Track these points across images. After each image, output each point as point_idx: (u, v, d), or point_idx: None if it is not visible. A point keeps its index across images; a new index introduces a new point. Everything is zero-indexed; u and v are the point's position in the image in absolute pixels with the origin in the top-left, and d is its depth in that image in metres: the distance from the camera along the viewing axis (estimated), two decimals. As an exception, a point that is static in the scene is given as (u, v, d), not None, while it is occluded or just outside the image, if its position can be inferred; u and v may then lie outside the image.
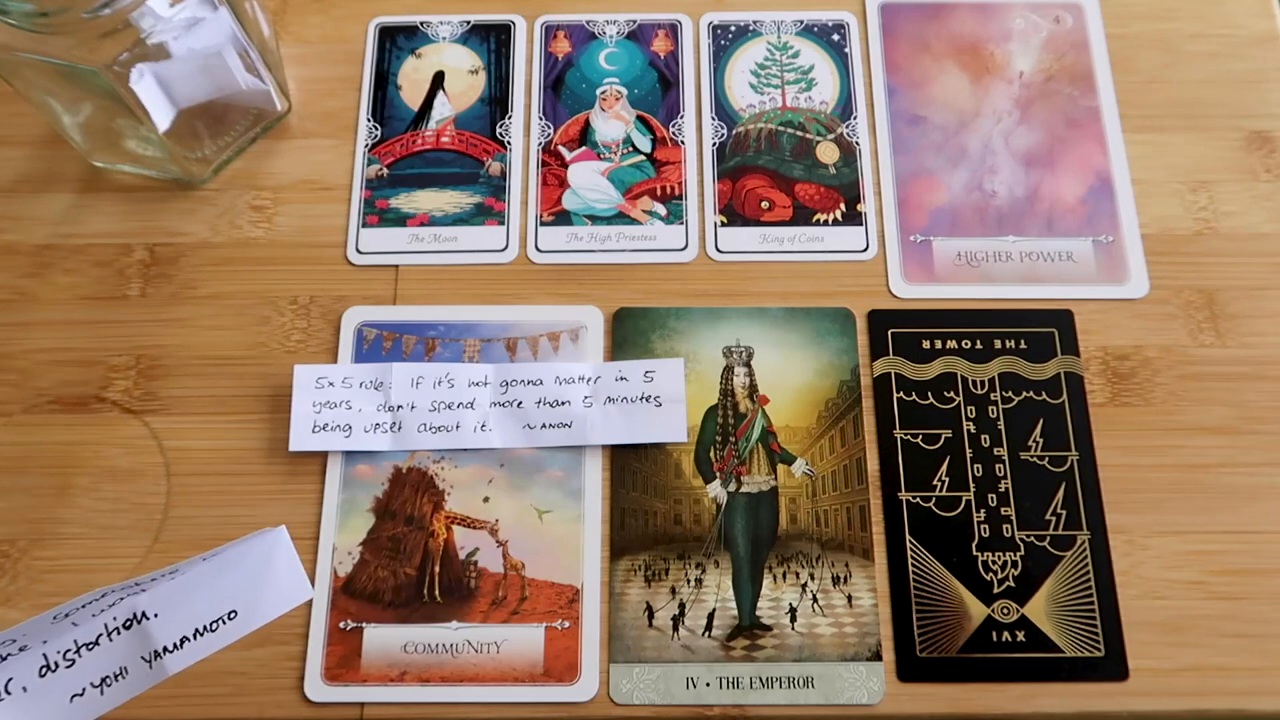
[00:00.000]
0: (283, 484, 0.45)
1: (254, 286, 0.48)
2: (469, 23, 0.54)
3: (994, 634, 0.42)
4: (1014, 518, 0.44)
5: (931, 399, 0.46)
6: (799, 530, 0.44)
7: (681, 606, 0.43)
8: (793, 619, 0.43)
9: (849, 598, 0.43)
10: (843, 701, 0.41)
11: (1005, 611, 0.42)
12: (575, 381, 0.46)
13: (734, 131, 0.52)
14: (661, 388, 0.46)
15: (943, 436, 0.45)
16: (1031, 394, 0.46)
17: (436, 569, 0.44)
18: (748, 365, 0.47)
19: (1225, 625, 0.42)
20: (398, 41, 0.54)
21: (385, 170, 0.51)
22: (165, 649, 0.30)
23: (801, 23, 0.54)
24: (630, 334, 0.47)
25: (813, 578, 0.43)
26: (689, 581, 0.43)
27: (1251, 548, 0.44)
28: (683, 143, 0.51)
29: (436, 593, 0.43)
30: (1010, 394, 0.46)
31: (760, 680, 0.42)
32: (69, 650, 0.29)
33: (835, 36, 0.54)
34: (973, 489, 0.44)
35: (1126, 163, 0.51)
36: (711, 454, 0.45)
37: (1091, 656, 0.42)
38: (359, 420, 0.45)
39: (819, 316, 0.48)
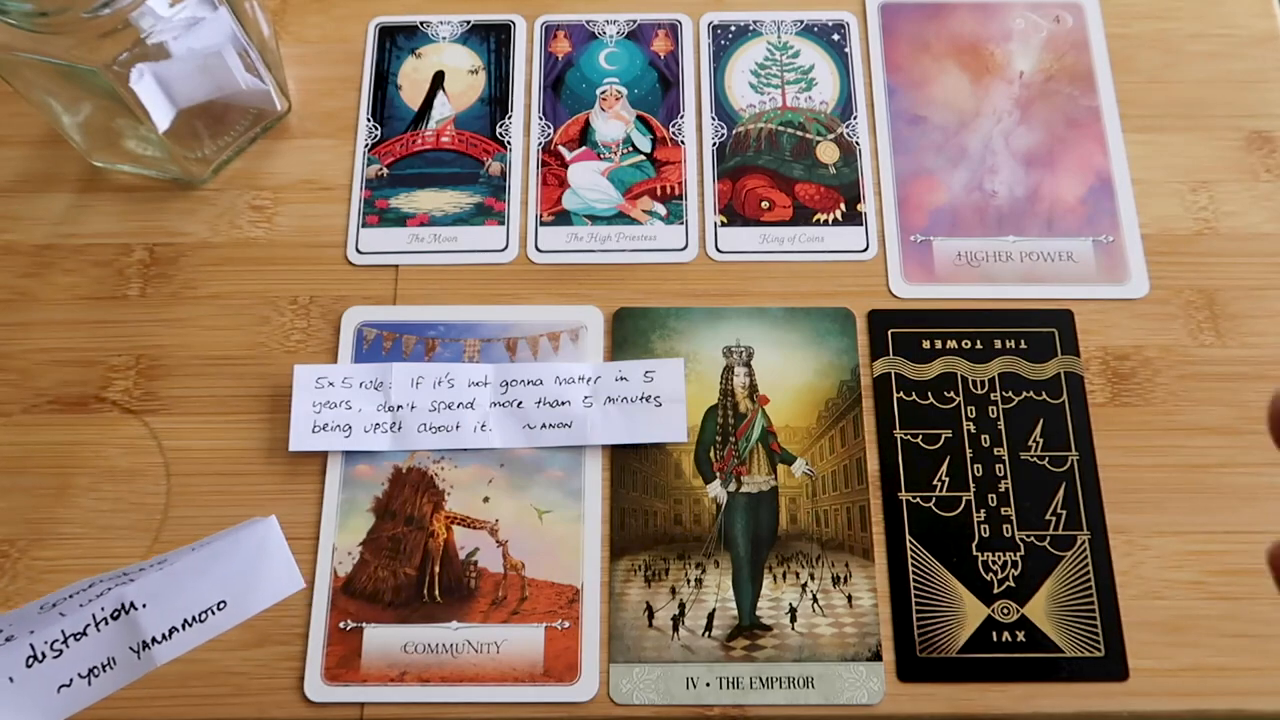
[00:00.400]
0: (283, 484, 0.45)
1: (254, 286, 0.48)
2: (469, 23, 0.54)
3: (994, 634, 0.42)
4: (1014, 518, 0.44)
5: (931, 399, 0.46)
6: (799, 530, 0.44)
7: (681, 606, 0.43)
8: (793, 619, 0.43)
9: (849, 598, 0.43)
10: (843, 701, 0.41)
11: (1005, 611, 0.42)
12: (575, 381, 0.46)
13: (734, 131, 0.52)
14: (661, 388, 0.46)
15: (943, 436, 0.45)
16: (1031, 394, 0.46)
17: (436, 569, 0.44)
18: (748, 365, 0.47)
19: (1225, 625, 0.42)
20: (398, 41, 0.54)
21: (385, 170, 0.51)
22: (154, 639, 0.30)
23: (801, 23, 0.54)
24: (630, 334, 0.47)
25: (813, 578, 0.43)
26: (689, 581, 0.43)
27: (1251, 548, 0.44)
28: (683, 143, 0.51)
29: (436, 593, 0.43)
30: (1010, 394, 0.46)
31: (760, 680, 0.42)
32: (56, 640, 0.29)
33: (835, 36, 0.54)
34: (973, 489, 0.44)
35: (1126, 163, 0.51)
36: (711, 454, 0.45)
37: (1091, 656, 0.42)
38: (359, 420, 0.45)
39: (819, 316, 0.48)
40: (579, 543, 0.44)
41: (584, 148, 0.51)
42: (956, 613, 0.42)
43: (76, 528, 0.44)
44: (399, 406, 0.45)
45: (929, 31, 0.54)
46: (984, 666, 0.42)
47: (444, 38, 0.54)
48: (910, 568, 0.43)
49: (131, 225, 0.50)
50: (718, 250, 0.49)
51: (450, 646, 0.42)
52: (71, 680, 0.29)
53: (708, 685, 0.42)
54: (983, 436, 0.45)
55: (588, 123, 0.52)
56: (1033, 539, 0.44)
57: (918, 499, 0.44)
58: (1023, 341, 0.47)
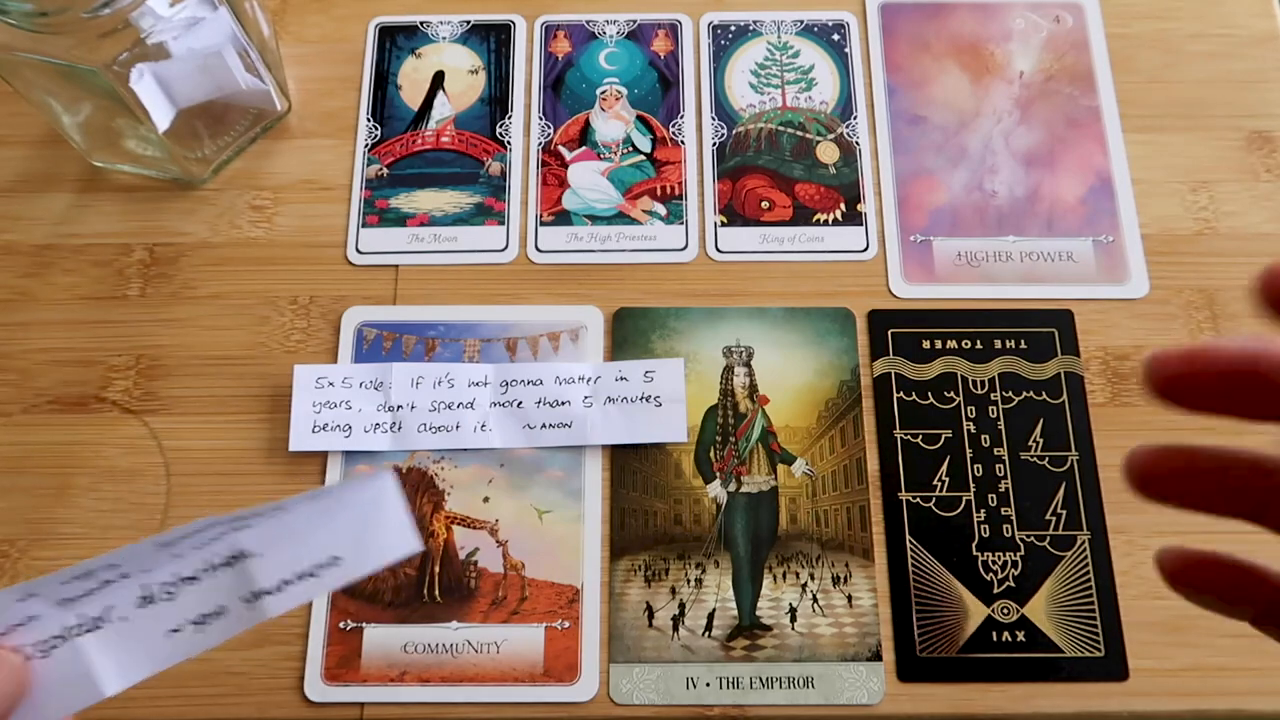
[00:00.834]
0: (283, 484, 0.45)
1: (254, 286, 0.48)
2: (469, 23, 0.54)
3: (994, 634, 0.42)
4: (1014, 518, 0.44)
5: (931, 399, 0.46)
6: (799, 530, 0.44)
7: (681, 606, 0.43)
8: (793, 619, 0.43)
9: (849, 598, 0.43)
10: (843, 701, 0.41)
11: (1005, 611, 0.42)
12: (575, 381, 0.46)
13: (734, 131, 0.52)
14: (661, 388, 0.46)
15: (943, 436, 0.45)
16: (1032, 394, 0.46)
17: (436, 569, 0.44)
18: (748, 365, 0.47)
19: (1225, 625, 0.42)
20: (398, 41, 0.54)
21: (385, 170, 0.51)
22: (265, 590, 0.28)
23: (801, 23, 0.54)
24: (630, 334, 0.47)
25: (813, 578, 0.43)
26: (689, 581, 0.43)
27: (1251, 548, 0.43)
28: (683, 143, 0.51)
29: (436, 593, 0.43)
30: (1010, 394, 0.46)
31: (760, 680, 0.42)
32: (169, 583, 0.27)
33: (835, 36, 0.54)
34: (973, 489, 0.44)
35: (1126, 163, 0.51)
36: (711, 454, 0.45)
37: (1091, 656, 0.42)
38: (359, 420, 0.45)
39: (819, 316, 0.48)
40: (579, 543, 0.44)
41: (584, 148, 0.51)
42: (956, 613, 0.42)
43: (76, 528, 0.44)
44: (399, 406, 0.45)
45: (929, 31, 0.54)
46: (984, 666, 0.42)
47: (444, 38, 0.54)
48: (910, 568, 0.43)
49: (131, 225, 0.50)
50: (718, 250, 0.49)
51: (450, 646, 0.42)
52: (181, 625, 0.28)
53: (708, 685, 0.42)
54: (983, 436, 0.45)
55: (588, 123, 0.52)
56: (1033, 539, 0.44)
57: (918, 499, 0.44)
58: (1023, 341, 0.47)
